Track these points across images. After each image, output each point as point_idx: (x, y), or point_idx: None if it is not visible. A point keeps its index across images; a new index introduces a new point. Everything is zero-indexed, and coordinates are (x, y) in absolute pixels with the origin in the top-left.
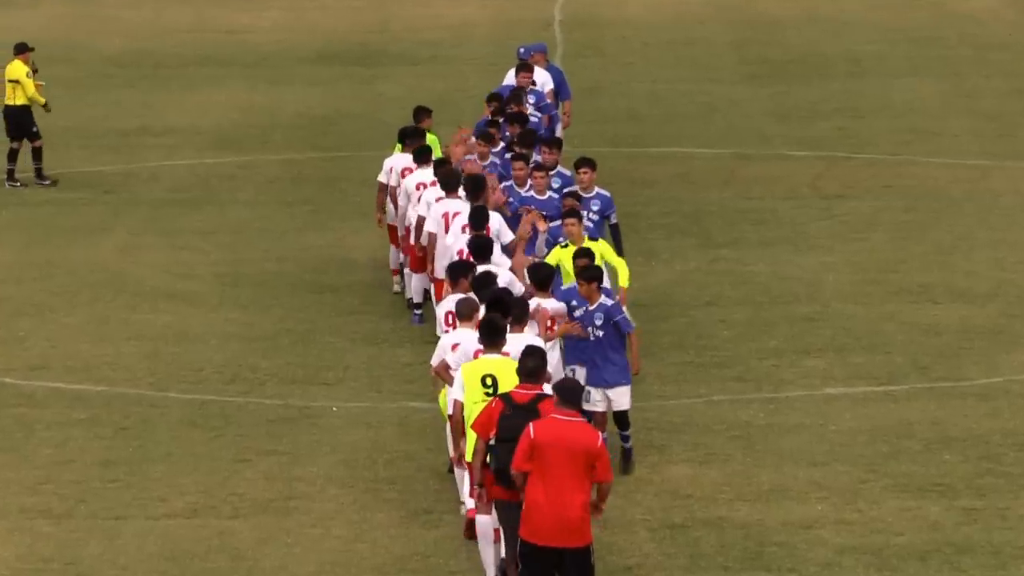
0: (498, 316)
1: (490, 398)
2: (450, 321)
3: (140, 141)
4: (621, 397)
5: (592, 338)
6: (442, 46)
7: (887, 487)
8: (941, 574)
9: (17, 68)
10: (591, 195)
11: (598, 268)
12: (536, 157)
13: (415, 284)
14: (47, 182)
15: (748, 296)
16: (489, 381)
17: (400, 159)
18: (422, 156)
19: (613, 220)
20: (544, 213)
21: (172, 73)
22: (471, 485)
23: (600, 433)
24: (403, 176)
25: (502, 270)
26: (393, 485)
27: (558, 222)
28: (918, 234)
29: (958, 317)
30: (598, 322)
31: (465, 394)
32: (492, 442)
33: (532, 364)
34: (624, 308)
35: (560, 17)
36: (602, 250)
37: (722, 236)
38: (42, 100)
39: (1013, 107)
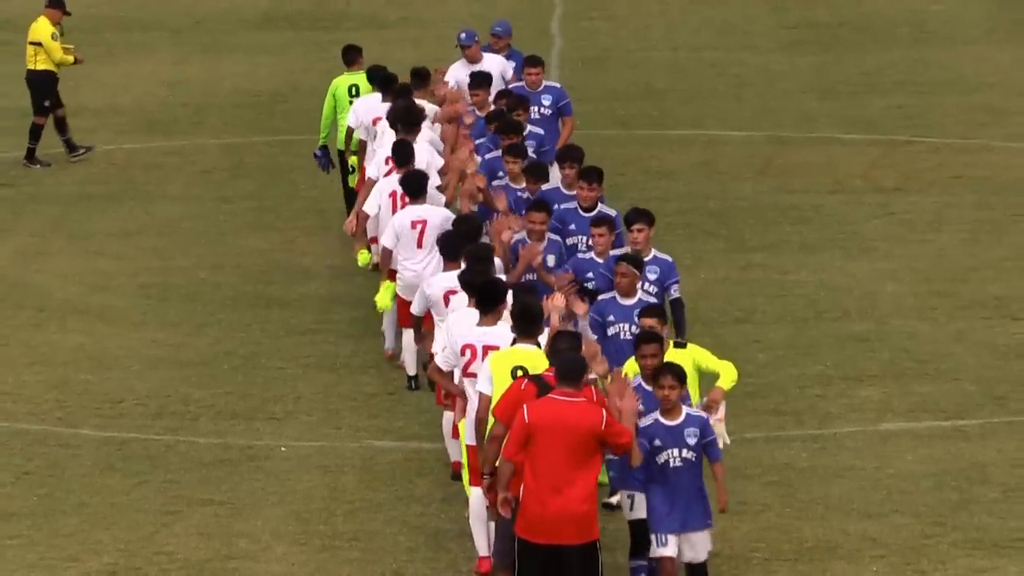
0: (535, 302)
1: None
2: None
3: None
4: (704, 544)
5: (676, 463)
6: (415, 5)
7: (957, 543)
8: None
9: (41, 28)
10: (647, 259)
11: (680, 367)
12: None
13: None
14: (82, 152)
15: (788, 311)
16: (520, 374)
17: (378, 103)
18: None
19: (675, 294)
20: (592, 283)
21: (84, 40)
22: (482, 473)
23: (604, 410)
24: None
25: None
26: (355, 542)
27: (612, 295)
28: (994, 236)
29: None
30: (691, 441)
31: (493, 387)
32: None
33: (564, 344)
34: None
35: None
36: (695, 355)
37: (756, 238)
38: (71, 59)
39: None
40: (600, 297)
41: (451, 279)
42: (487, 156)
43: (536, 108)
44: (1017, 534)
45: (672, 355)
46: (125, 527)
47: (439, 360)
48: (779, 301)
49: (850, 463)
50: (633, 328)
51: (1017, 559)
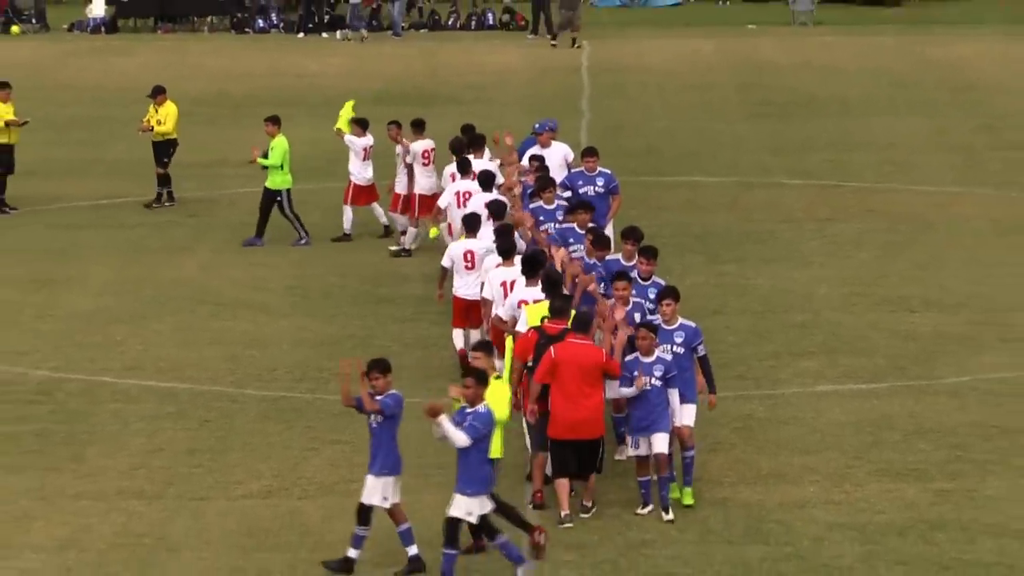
0: (555, 270)
1: None
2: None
3: (220, 171)
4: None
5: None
6: (484, 88)
7: (870, 472)
8: (916, 547)
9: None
10: (674, 327)
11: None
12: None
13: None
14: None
15: (749, 306)
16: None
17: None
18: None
19: (702, 351)
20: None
21: (248, 112)
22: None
23: (603, 351)
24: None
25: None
26: (441, 470)
27: (635, 355)
28: (897, 253)
29: (932, 324)
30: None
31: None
32: (529, 364)
33: (559, 304)
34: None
35: (587, 64)
36: (500, 390)
37: (727, 254)
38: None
39: (980, 141)
40: (627, 357)
41: (469, 244)
42: (531, 206)
43: (591, 187)
44: (913, 465)
45: (492, 384)
46: (277, 460)
47: (502, 312)
48: (743, 299)
49: (794, 414)
50: (652, 380)
51: (914, 483)
